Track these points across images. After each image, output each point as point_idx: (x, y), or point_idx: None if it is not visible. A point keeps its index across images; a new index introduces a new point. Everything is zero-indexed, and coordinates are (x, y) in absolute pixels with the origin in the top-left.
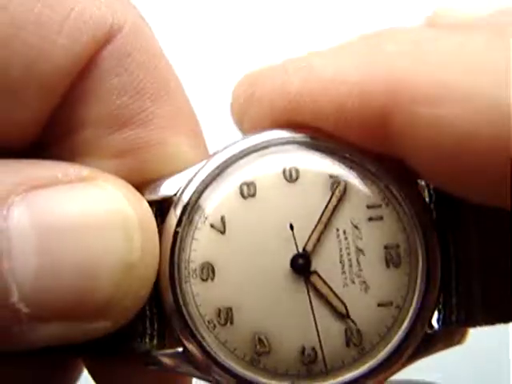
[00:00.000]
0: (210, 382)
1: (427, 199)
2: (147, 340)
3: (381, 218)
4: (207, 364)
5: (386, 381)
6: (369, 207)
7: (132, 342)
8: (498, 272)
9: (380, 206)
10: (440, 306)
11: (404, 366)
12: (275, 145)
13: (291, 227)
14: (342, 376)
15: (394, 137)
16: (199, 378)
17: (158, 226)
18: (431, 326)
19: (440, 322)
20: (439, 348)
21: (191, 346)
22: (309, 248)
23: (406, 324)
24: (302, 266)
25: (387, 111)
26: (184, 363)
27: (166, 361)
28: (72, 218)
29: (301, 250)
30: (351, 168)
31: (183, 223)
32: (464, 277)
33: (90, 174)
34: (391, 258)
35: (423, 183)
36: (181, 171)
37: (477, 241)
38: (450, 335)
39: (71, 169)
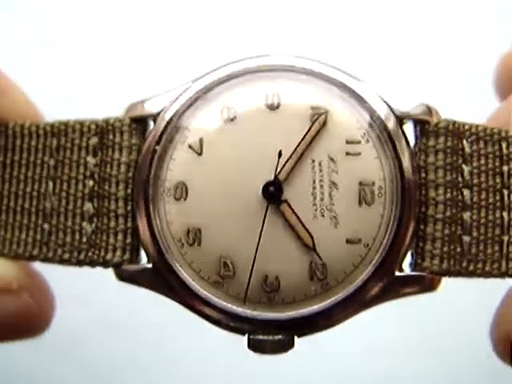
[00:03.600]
0: (174, 300)
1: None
2: (119, 253)
3: (358, 154)
4: (173, 282)
5: (347, 319)
6: (348, 142)
7: (105, 254)
8: (484, 223)
9: (359, 142)
10: (413, 251)
11: (368, 306)
12: (260, 71)
13: (279, 155)
14: (302, 308)
15: None
16: (165, 295)
17: (142, 142)
18: (401, 270)
19: (411, 267)
20: (407, 292)
21: (159, 263)
22: (281, 177)
23: (372, 264)
24: (272, 193)
25: None
26: (152, 280)
27: (136, 275)
28: None
29: (273, 178)
30: (336, 100)
31: (162, 142)
32: (443, 225)
33: None
34: (365, 195)
35: (411, 128)
36: (165, 91)
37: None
38: (419, 281)
39: None
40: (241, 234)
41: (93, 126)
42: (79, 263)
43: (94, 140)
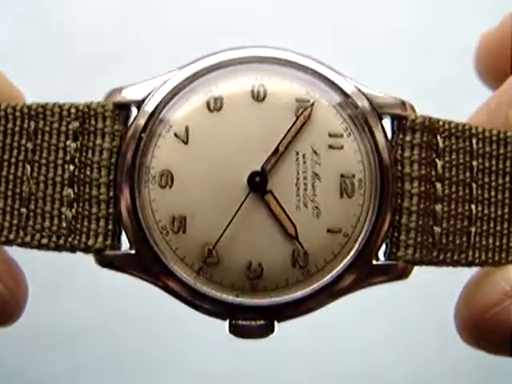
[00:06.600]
0: (157, 286)
1: (389, 136)
2: (101, 239)
3: (341, 148)
4: (156, 268)
5: (326, 305)
6: (330, 135)
7: (87, 239)
8: (454, 215)
9: (342, 135)
10: (388, 241)
11: (346, 293)
12: (246, 62)
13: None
14: (284, 295)
15: None
16: (147, 281)
17: (124, 128)
18: (377, 258)
19: (386, 256)
20: (381, 280)
21: (143, 249)
22: (267, 168)
23: (352, 253)
24: (258, 183)
25: None
26: (134, 265)
27: (118, 261)
28: None
29: (259, 169)
30: (319, 93)
31: (148, 129)
32: (417, 216)
33: None
34: (346, 187)
35: (388, 122)
36: (150, 78)
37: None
38: (392, 269)
39: None
40: (225, 222)
41: (73, 110)
42: (58, 248)
43: (75, 124)
